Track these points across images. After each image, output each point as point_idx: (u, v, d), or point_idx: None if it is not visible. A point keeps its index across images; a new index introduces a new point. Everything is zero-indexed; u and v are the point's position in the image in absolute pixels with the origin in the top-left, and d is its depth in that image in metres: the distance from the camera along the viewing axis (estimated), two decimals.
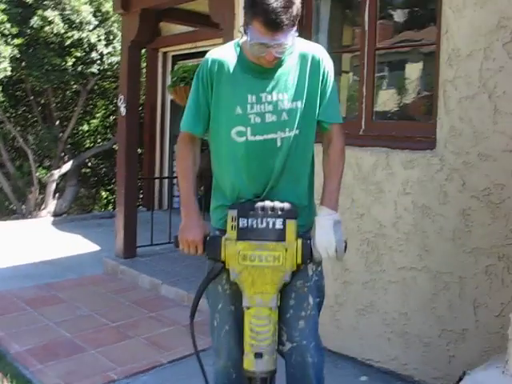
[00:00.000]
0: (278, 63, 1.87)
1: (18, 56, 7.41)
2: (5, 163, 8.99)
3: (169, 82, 6.07)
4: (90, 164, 10.31)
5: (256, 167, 1.90)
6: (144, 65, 8.57)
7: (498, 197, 2.69)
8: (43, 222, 7.86)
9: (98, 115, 10.17)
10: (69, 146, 9.48)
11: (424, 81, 3.38)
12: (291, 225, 1.83)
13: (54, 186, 8.78)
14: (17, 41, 7.26)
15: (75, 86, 8.96)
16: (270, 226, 1.82)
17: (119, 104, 5.40)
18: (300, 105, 1.90)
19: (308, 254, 1.84)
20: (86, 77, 8.39)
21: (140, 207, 8.47)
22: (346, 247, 1.89)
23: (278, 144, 1.90)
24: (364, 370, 3.22)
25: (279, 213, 1.83)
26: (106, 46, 7.94)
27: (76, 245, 6.43)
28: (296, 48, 1.90)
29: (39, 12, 7.30)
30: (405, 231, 3.06)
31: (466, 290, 2.83)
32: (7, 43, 7.20)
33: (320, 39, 3.66)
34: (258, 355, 1.85)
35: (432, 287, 2.96)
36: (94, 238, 6.68)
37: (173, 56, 8.29)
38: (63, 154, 9.15)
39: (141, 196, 8.89)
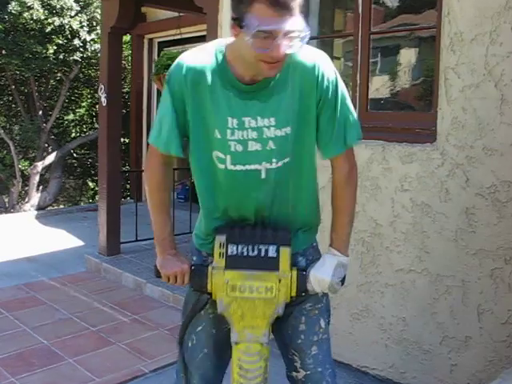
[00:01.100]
0: (266, 80, 1.53)
1: None
2: None
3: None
4: (75, 154, 10.04)
5: (239, 198, 1.64)
6: (129, 52, 8.29)
7: (504, 195, 2.48)
8: (26, 216, 7.59)
9: (83, 104, 9.88)
10: (53, 136, 9.20)
11: (423, 68, 3.15)
12: (285, 253, 1.60)
13: (37, 178, 8.51)
14: None
15: (59, 75, 8.66)
16: (263, 253, 1.60)
17: (100, 94, 5.13)
18: (290, 131, 1.57)
19: (304, 287, 1.64)
20: (68, 65, 8.10)
21: (128, 198, 8.26)
22: (343, 283, 1.70)
23: (263, 176, 1.60)
24: (359, 377, 3.05)
25: (272, 239, 1.61)
26: (89, 32, 7.64)
27: (59, 240, 6.19)
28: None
29: None
30: (403, 231, 2.85)
31: (470, 294, 2.63)
32: None
33: (310, 23, 3.41)
34: None
35: (432, 291, 2.75)
36: (78, 233, 6.45)
37: (159, 42, 8.03)
38: (47, 144, 8.87)
39: (128, 187, 8.68)
